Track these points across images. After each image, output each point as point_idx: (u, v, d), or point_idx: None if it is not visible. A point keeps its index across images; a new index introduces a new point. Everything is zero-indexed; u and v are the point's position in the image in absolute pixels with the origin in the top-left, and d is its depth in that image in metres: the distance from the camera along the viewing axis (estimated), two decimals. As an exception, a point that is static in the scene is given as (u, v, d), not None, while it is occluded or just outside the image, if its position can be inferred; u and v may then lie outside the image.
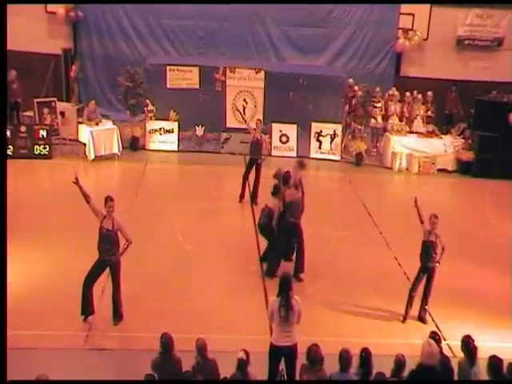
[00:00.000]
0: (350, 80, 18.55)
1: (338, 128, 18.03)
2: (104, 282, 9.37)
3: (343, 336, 9.00)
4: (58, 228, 12.14)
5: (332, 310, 10.06)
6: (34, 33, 19.27)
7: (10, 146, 15.85)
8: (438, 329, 9.28)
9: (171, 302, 9.82)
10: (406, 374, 6.72)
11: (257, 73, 17.90)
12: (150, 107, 17.69)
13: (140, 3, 19.65)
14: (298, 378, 7.19)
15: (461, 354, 7.18)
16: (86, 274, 8.97)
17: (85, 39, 19.96)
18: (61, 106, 17.77)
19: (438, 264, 9.56)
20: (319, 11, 19.99)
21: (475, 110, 18.00)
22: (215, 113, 17.80)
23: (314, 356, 6.82)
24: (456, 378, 6.99)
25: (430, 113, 18.66)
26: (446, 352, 7.78)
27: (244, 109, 17.65)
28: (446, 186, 17.31)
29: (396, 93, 18.57)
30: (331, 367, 6.89)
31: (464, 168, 17.63)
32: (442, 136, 18.19)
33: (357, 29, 20.29)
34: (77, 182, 8.85)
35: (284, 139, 18.09)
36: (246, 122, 15.45)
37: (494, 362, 6.64)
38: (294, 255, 11.08)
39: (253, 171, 14.19)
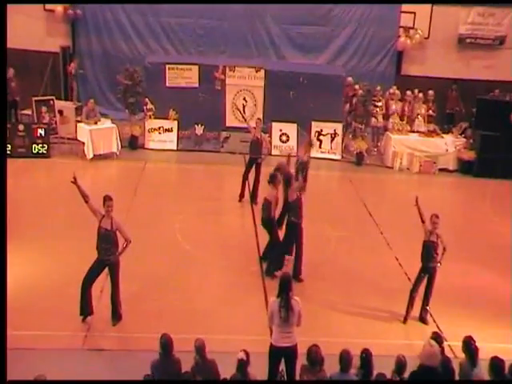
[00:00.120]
0: (349, 78, 18.49)
1: (339, 127, 17.98)
2: (103, 282, 9.33)
3: (343, 336, 8.93)
4: (55, 228, 12.10)
5: (332, 311, 10.02)
6: (32, 31, 19.20)
7: (8, 145, 15.76)
8: (439, 329, 9.21)
9: (170, 302, 9.77)
10: (406, 374, 6.67)
11: (257, 71, 17.83)
12: (149, 106, 17.63)
13: (140, 3, 19.57)
14: (298, 378, 7.15)
15: (462, 355, 7.15)
16: (84, 273, 8.92)
17: (83, 37, 19.88)
18: (59, 104, 17.68)
19: (439, 264, 9.52)
20: (319, 9, 19.92)
21: (477, 109, 17.97)
22: (215, 112, 17.73)
23: (315, 357, 6.79)
24: (457, 378, 6.94)
25: (431, 112, 18.61)
26: (448, 353, 7.71)
27: (244, 108, 17.62)
28: (447, 185, 17.27)
29: (397, 92, 18.51)
30: (331, 368, 6.85)
31: (465, 167, 17.57)
32: (443, 135, 18.14)
33: (357, 27, 20.22)
34: (75, 182, 8.83)
35: (284, 138, 18.04)
36: (245, 120, 15.42)
37: (496, 362, 6.63)
38: (293, 256, 11.01)
39: (253, 170, 14.14)
